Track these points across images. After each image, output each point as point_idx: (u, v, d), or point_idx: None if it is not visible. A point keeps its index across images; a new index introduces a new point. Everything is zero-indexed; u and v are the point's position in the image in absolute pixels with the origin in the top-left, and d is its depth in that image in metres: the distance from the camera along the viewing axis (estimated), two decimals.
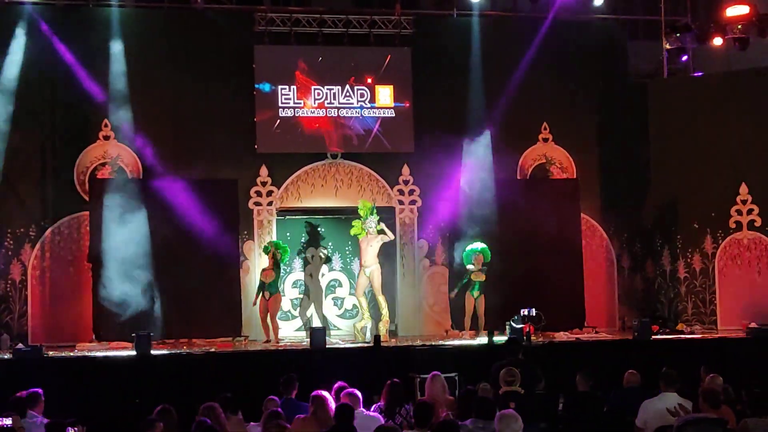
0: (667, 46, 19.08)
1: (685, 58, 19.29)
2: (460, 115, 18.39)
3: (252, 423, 9.37)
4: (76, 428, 8.62)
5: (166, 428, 7.79)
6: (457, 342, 16.05)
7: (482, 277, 16.94)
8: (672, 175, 18.71)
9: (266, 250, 16.89)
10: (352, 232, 17.10)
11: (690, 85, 19.10)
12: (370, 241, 16.88)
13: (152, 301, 16.34)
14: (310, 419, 8.76)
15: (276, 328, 16.54)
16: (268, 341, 16.40)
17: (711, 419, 8.08)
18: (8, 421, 8.18)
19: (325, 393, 9.05)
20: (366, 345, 15.56)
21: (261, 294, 16.52)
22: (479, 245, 17.22)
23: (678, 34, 18.84)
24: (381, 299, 16.87)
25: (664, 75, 19.39)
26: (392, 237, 17.30)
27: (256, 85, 18.06)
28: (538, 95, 18.86)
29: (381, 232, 16.94)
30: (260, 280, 16.69)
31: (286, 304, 18.01)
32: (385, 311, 16.81)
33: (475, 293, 16.90)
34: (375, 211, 17.08)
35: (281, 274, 17.27)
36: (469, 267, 17.01)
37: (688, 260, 18.70)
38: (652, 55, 19.63)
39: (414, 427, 8.27)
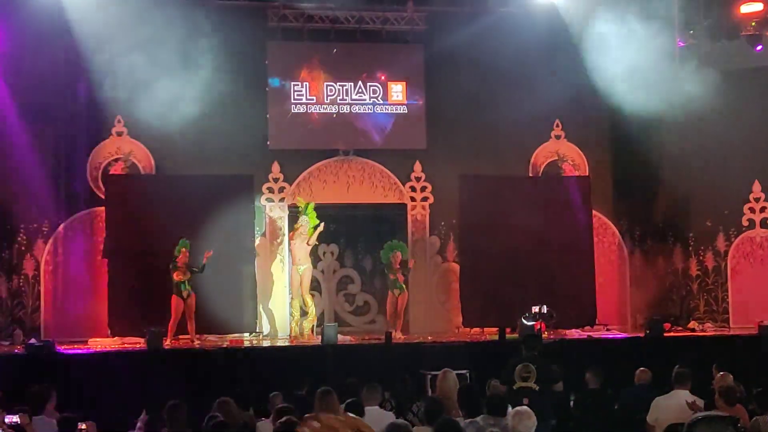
0: (681, 44, 18.97)
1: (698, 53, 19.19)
2: (472, 112, 18.39)
3: (263, 419, 9.38)
4: (86, 424, 8.66)
5: (178, 423, 7.81)
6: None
7: (400, 277, 16.85)
8: (684, 172, 18.63)
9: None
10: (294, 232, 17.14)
11: (702, 81, 18.99)
12: (302, 240, 16.90)
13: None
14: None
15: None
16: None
17: (723, 416, 8.06)
18: (16, 419, 8.19)
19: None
20: (377, 342, 15.55)
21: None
22: (396, 242, 17.28)
23: (691, 31, 18.75)
24: (308, 298, 16.94)
25: (675, 71, 19.29)
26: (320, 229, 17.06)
27: (269, 81, 18.07)
28: (550, 92, 18.81)
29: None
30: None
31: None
32: (312, 310, 16.92)
33: (396, 291, 16.80)
34: (309, 210, 17.12)
35: None
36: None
37: (701, 258, 18.64)
38: (665, 50, 19.53)
39: (424, 423, 8.27)
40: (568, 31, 18.46)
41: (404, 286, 16.81)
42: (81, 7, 17.16)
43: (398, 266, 16.75)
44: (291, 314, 17.25)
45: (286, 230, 18.05)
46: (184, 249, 15.81)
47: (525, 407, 7.75)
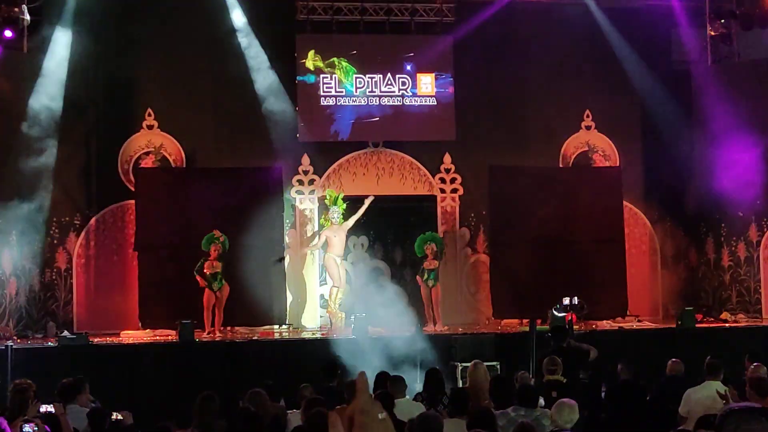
0: (712, 33, 18.84)
1: (729, 44, 19.05)
2: (502, 103, 18.36)
3: (294, 410, 9.41)
4: (123, 413, 8.72)
5: (210, 414, 7.85)
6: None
7: (435, 264, 16.80)
8: (716, 162, 18.50)
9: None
10: (325, 223, 17.14)
11: (735, 71, 18.86)
12: (336, 232, 16.89)
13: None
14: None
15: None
16: None
17: (757, 408, 7.99)
18: (50, 408, 8.26)
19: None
20: (407, 333, 15.55)
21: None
22: (430, 233, 17.25)
23: (723, 20, 18.60)
24: (341, 290, 16.94)
25: (708, 61, 19.16)
26: (359, 215, 17.11)
27: (298, 74, 18.09)
28: (580, 82, 18.77)
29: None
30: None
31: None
32: (342, 301, 16.95)
33: (430, 282, 16.77)
34: (340, 201, 17.09)
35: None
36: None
37: (733, 248, 18.51)
38: (697, 41, 19.40)
39: (453, 414, 8.28)
40: (598, 20, 18.38)
41: (436, 278, 16.74)
42: (110, 2, 17.26)
43: (432, 258, 16.71)
44: (327, 304, 17.18)
45: (316, 222, 18.07)
46: (216, 243, 15.90)
47: (570, 399, 7.74)
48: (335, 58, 18.14)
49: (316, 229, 17.88)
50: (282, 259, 17.27)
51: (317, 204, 18.22)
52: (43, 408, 8.26)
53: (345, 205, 17.06)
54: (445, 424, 7.47)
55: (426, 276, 16.72)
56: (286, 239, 17.77)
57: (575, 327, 15.41)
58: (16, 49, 16.55)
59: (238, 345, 14.77)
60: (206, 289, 15.85)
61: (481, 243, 18.69)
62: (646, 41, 19.04)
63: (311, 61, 18.08)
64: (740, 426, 4.02)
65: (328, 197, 17.22)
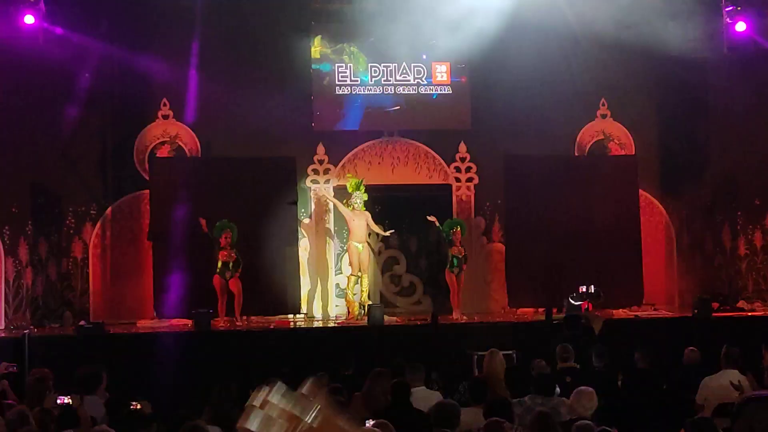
0: (728, 21, 18.74)
1: (745, 32, 18.95)
2: (517, 91, 18.32)
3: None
4: (141, 403, 8.75)
5: (227, 403, 7.89)
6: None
7: (462, 251, 16.71)
8: (732, 150, 18.47)
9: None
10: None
11: (750, 60, 18.78)
12: (357, 218, 16.90)
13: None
14: (367, 395, 8.78)
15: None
16: None
17: None
18: (68, 400, 8.30)
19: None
20: (423, 322, 15.57)
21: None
22: (456, 219, 17.31)
23: (738, 8, 18.51)
24: (365, 278, 16.93)
25: (724, 50, 19.06)
26: (383, 233, 17.36)
27: (313, 63, 18.08)
28: (596, 70, 18.71)
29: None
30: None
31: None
32: (366, 290, 16.92)
33: (455, 270, 16.67)
34: (362, 186, 17.10)
35: None
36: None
37: (749, 237, 18.45)
38: (712, 29, 19.30)
39: (471, 403, 8.30)
40: (613, 9, 18.30)
41: (461, 264, 16.70)
42: None
43: (458, 244, 16.68)
44: (346, 292, 17.19)
45: (331, 211, 18.09)
46: (228, 230, 15.89)
47: (588, 387, 7.74)
48: (345, 44, 18.12)
49: (333, 217, 17.94)
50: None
51: (333, 193, 18.21)
52: (60, 399, 8.31)
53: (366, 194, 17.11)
54: (463, 413, 7.49)
55: (449, 264, 16.68)
56: (302, 228, 17.78)
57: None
58: (33, 40, 16.65)
59: (254, 334, 14.81)
60: (217, 276, 15.84)
61: (496, 232, 18.66)
62: (662, 29, 18.96)
63: (317, 47, 18.05)
64: (758, 414, 4.01)
65: (349, 184, 17.24)
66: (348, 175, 17.69)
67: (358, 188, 17.08)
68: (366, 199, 17.12)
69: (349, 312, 16.89)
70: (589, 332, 11.93)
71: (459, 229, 16.76)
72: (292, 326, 16.23)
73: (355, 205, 16.99)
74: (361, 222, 16.96)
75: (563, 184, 17.67)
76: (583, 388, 7.77)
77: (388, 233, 17.36)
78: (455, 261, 16.57)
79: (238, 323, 15.71)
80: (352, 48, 18.21)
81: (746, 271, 18.47)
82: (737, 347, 9.89)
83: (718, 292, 18.26)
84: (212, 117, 17.79)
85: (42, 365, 10.03)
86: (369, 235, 17.42)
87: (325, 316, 17.59)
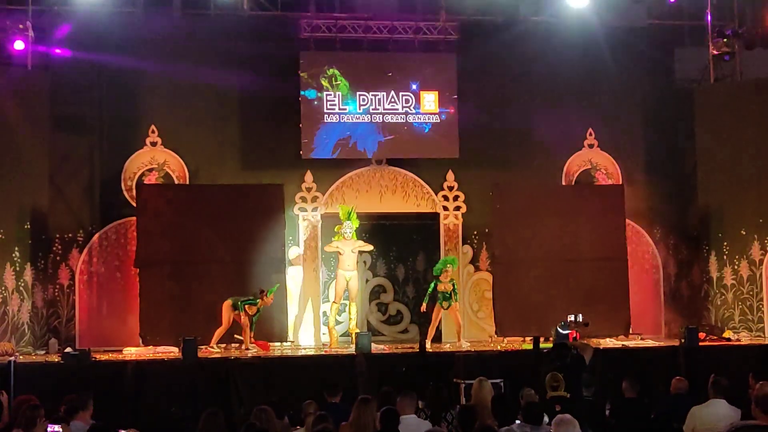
0: (714, 52, 18.89)
1: (731, 63, 19.08)
2: (505, 121, 18.40)
3: (297, 427, 9.40)
4: (130, 431, 8.71)
5: (216, 431, 7.86)
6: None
7: (449, 288, 16.71)
8: (719, 181, 18.55)
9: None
10: (334, 238, 17.17)
11: (737, 90, 18.92)
12: (347, 246, 16.93)
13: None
14: (355, 424, 8.72)
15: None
16: None
17: (762, 426, 7.98)
18: (58, 428, 8.25)
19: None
20: (411, 350, 15.54)
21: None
22: (450, 257, 17.38)
23: (725, 40, 18.66)
24: (353, 307, 16.95)
25: (710, 81, 19.20)
26: (370, 248, 17.42)
27: (302, 91, 18.11)
28: (583, 101, 18.83)
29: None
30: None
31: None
32: (354, 319, 16.94)
33: (445, 304, 16.68)
34: (353, 216, 17.14)
35: None
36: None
37: (735, 267, 18.49)
38: (699, 61, 19.45)
39: (459, 431, 8.27)
40: (600, 39, 18.46)
41: (452, 299, 16.71)
42: (113, 20, 17.39)
43: (448, 280, 16.68)
44: (328, 320, 17.16)
45: (319, 239, 18.08)
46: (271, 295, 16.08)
47: (568, 415, 7.72)
48: (334, 70, 18.15)
49: (321, 244, 17.94)
50: None
51: (320, 221, 18.21)
52: (50, 428, 8.26)
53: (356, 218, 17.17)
54: None
55: (441, 297, 16.68)
56: (288, 257, 17.75)
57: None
58: (22, 66, 16.75)
59: (240, 362, 14.74)
60: (230, 306, 15.94)
61: (483, 261, 18.68)
62: (649, 60, 19.14)
63: (305, 74, 18.08)
64: None
65: (341, 212, 17.24)
66: (340, 205, 17.68)
67: (349, 217, 17.09)
68: (357, 227, 17.14)
69: (331, 339, 16.87)
70: (580, 361, 11.90)
71: (450, 267, 16.79)
72: (278, 354, 16.15)
73: (346, 235, 16.99)
74: (350, 250, 16.96)
75: (550, 213, 17.72)
76: (564, 416, 7.74)
77: (370, 247, 17.36)
78: (442, 297, 16.59)
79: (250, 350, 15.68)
80: (337, 76, 18.23)
81: (733, 301, 18.49)
82: (724, 377, 9.89)
83: (704, 322, 18.30)
84: (199, 143, 17.83)
85: (27, 392, 9.98)
86: (357, 263, 17.40)
87: (317, 344, 17.53)
